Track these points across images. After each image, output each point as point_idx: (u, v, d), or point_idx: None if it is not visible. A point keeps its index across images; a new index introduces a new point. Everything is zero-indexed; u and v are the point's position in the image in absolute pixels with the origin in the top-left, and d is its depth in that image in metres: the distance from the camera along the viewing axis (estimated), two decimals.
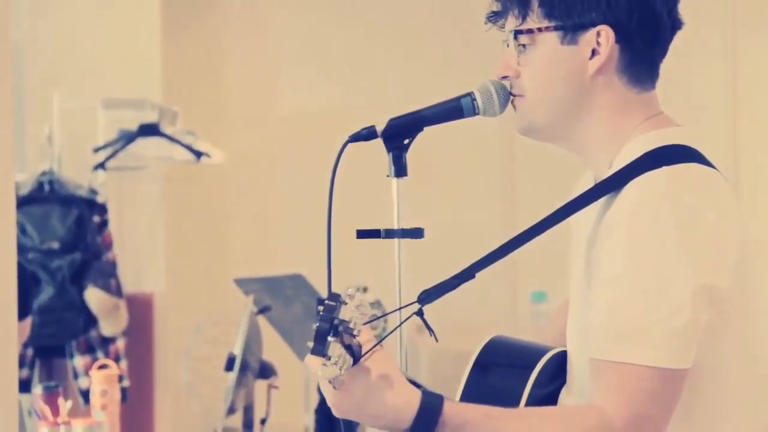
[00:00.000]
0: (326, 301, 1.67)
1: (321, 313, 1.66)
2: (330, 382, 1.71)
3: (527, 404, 1.93)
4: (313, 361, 1.68)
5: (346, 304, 1.68)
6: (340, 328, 1.65)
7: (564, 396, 1.97)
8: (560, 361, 2.00)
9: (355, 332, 1.68)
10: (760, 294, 1.91)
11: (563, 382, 1.99)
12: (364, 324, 1.72)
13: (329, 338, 1.65)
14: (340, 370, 1.66)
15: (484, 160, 5.96)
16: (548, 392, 1.96)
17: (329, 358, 1.65)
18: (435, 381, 5.45)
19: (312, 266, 3.70)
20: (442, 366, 5.38)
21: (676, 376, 1.77)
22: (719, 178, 1.91)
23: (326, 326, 1.65)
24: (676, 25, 1.96)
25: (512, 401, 1.92)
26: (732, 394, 1.88)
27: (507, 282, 5.90)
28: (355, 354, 1.72)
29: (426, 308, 1.89)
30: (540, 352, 2.01)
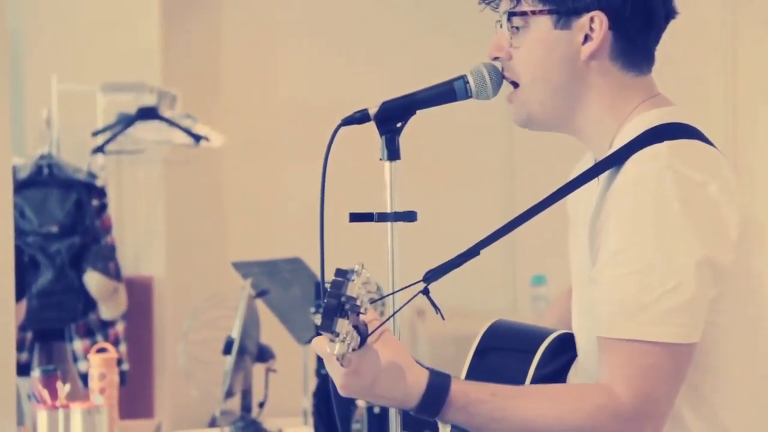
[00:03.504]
0: (334, 277, 1.66)
1: (329, 289, 1.65)
2: (338, 359, 1.70)
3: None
4: (320, 340, 1.69)
5: (353, 281, 1.67)
6: (348, 306, 1.64)
7: (572, 377, 1.97)
8: (563, 344, 2.00)
9: (362, 309, 1.67)
10: (759, 271, 1.90)
11: (566, 363, 1.98)
12: (370, 303, 1.72)
13: (337, 315, 1.64)
14: (348, 347, 1.66)
15: (483, 143, 5.96)
16: (551, 374, 1.96)
17: (337, 335, 1.64)
18: (435, 365, 5.46)
19: (310, 250, 3.68)
20: (442, 350, 5.39)
21: (683, 351, 1.77)
22: (719, 155, 1.91)
23: (334, 302, 1.64)
24: (670, 13, 1.96)
25: (516, 383, 1.91)
26: (735, 372, 1.88)
27: (507, 266, 5.91)
28: (362, 333, 1.71)
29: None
30: (542, 334, 2.01)
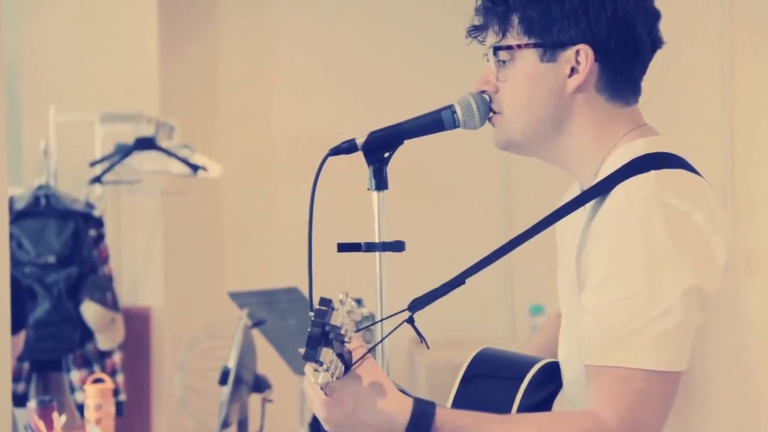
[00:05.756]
0: (317, 306, 1.66)
1: (312, 318, 1.65)
2: (322, 388, 1.70)
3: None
4: (306, 367, 1.69)
5: (337, 310, 1.67)
6: (332, 335, 1.64)
7: (557, 407, 1.97)
8: (549, 372, 2.00)
9: (346, 339, 1.67)
10: (748, 298, 1.91)
11: (552, 392, 1.99)
12: (354, 332, 1.72)
13: (321, 344, 1.64)
14: (332, 376, 1.66)
15: (481, 173, 5.95)
16: (537, 403, 1.97)
17: (321, 364, 1.64)
18: (432, 394, 5.45)
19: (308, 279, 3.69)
20: (439, 379, 5.38)
21: (670, 379, 1.77)
22: (705, 184, 1.91)
23: (318, 331, 1.64)
24: (656, 43, 1.97)
25: (502, 412, 1.91)
26: (723, 402, 1.88)
27: (505, 295, 5.90)
28: (346, 362, 1.71)
29: (425, 321, 1.89)
30: (528, 363, 2.01)
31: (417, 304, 1.88)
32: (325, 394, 1.72)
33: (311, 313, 1.66)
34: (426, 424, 1.75)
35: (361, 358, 1.75)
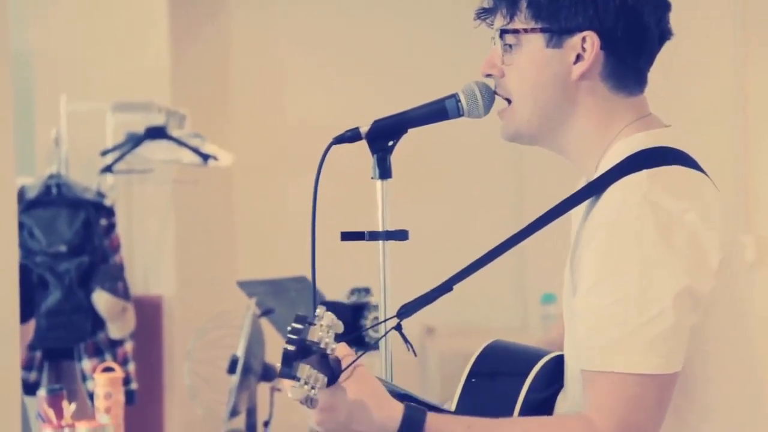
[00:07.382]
0: (293, 324, 1.69)
1: (288, 335, 1.68)
2: (301, 402, 1.71)
3: (522, 410, 1.92)
4: (284, 383, 1.71)
5: (315, 325, 1.69)
6: (313, 349, 1.67)
7: (560, 401, 1.96)
8: (556, 366, 1.99)
9: (328, 351, 1.69)
10: (751, 293, 1.90)
11: (559, 387, 1.98)
12: (340, 341, 1.74)
13: (297, 360, 1.66)
14: (312, 389, 1.68)
15: (484, 162, 5.93)
16: (544, 397, 1.96)
17: (298, 380, 1.67)
18: (444, 383, 5.46)
19: (319, 268, 3.68)
20: (450, 367, 5.38)
21: (664, 381, 1.76)
22: (702, 179, 1.89)
23: (293, 348, 1.67)
24: (664, 35, 1.95)
25: (507, 406, 1.92)
26: (723, 401, 1.86)
27: (517, 284, 5.90)
28: (334, 371, 1.73)
29: (437, 309, 1.89)
30: (536, 356, 2.00)
31: (405, 311, 1.88)
32: (307, 407, 1.72)
33: (288, 327, 1.69)
34: (416, 431, 1.76)
35: (350, 364, 1.76)
